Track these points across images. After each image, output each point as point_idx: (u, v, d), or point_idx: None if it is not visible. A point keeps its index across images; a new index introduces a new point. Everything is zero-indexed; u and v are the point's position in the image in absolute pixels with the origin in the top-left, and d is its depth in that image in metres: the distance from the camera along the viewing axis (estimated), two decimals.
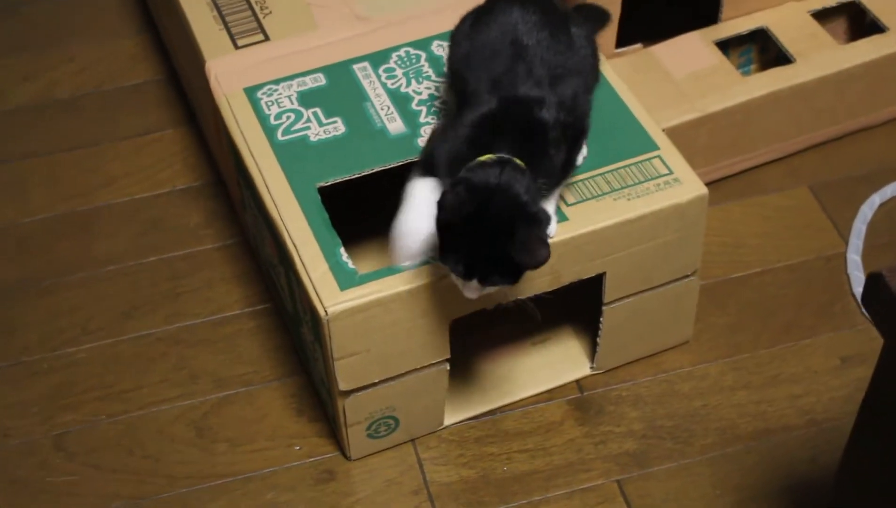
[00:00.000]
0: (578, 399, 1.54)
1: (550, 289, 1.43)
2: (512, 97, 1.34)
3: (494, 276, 1.28)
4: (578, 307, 1.55)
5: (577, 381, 1.55)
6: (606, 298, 1.47)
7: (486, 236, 1.26)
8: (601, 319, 1.49)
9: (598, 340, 1.52)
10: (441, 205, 1.26)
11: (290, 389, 1.56)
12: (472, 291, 1.29)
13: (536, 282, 1.41)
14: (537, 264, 1.26)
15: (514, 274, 1.28)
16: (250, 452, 1.50)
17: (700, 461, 1.48)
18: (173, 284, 1.67)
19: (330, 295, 1.35)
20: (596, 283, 1.46)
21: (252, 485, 1.48)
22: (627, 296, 1.48)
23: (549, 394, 1.54)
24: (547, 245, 1.25)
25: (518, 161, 1.29)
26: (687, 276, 1.50)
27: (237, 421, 1.53)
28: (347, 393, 1.41)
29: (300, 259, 1.39)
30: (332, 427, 1.51)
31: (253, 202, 1.53)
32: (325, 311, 1.34)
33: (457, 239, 1.27)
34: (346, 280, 1.36)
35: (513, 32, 1.37)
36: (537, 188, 1.30)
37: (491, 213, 1.26)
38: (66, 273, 1.69)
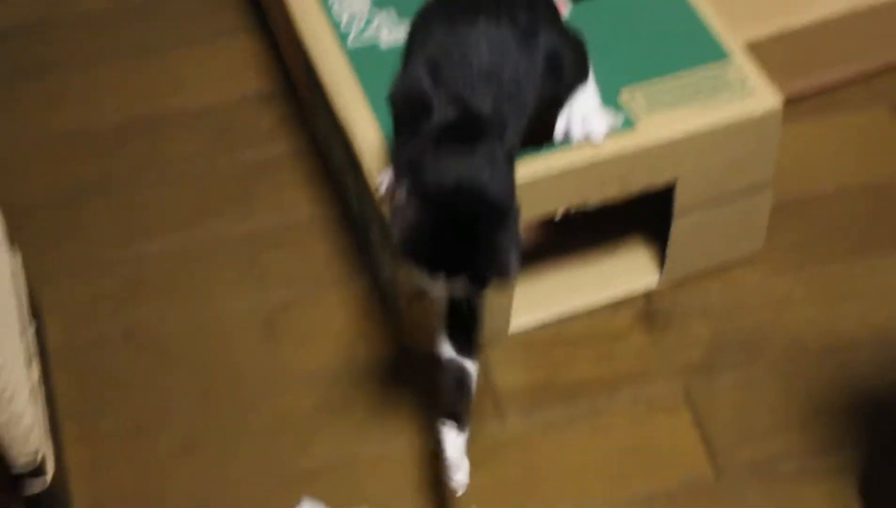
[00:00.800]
0: (646, 309, 1.53)
1: (620, 196, 1.43)
2: None
3: (461, 280, 1.19)
4: (649, 217, 1.54)
5: (646, 291, 1.55)
6: (677, 208, 1.46)
7: (451, 247, 1.17)
8: (671, 229, 1.49)
9: (667, 250, 1.51)
10: (397, 225, 1.18)
11: (357, 291, 1.57)
12: (438, 289, 1.20)
13: (605, 190, 1.41)
14: (507, 280, 1.18)
15: (483, 283, 1.19)
16: (317, 351, 1.52)
17: (767, 373, 1.48)
18: (244, 186, 1.68)
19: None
20: (668, 192, 1.46)
21: (319, 383, 1.49)
22: (698, 207, 1.47)
23: (617, 303, 1.54)
24: (517, 255, 1.16)
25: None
26: (759, 189, 1.49)
27: (305, 322, 1.54)
28: (414, 296, 1.42)
29: (368, 163, 1.40)
30: (398, 331, 1.52)
31: (323, 107, 1.54)
32: None
33: (420, 248, 1.18)
34: None
35: None
36: (507, 155, 1.20)
37: (453, 225, 1.16)
38: (137, 174, 1.70)
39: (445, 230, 1.16)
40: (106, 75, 1.82)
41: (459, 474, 1.28)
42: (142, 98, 1.79)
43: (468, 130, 1.20)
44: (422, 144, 1.20)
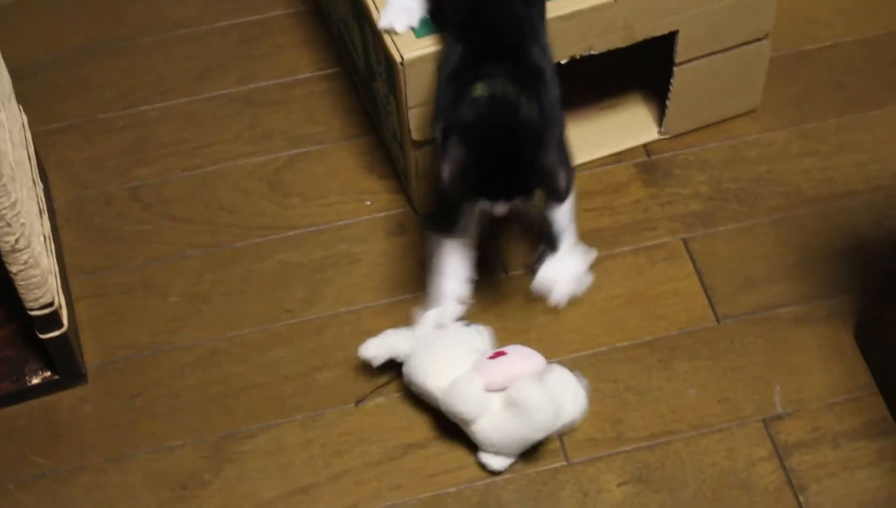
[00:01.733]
0: (645, 162, 1.55)
1: (624, 45, 1.44)
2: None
3: (519, 201, 1.27)
4: (648, 74, 1.56)
5: (645, 145, 1.57)
6: (678, 58, 1.48)
7: (499, 177, 1.25)
8: (671, 80, 1.50)
9: (667, 103, 1.52)
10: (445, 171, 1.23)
11: (361, 148, 1.59)
12: (500, 209, 1.28)
13: (610, 37, 1.42)
14: (561, 195, 1.26)
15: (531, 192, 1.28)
16: (322, 206, 1.54)
17: (765, 222, 1.50)
18: (245, 47, 1.68)
19: (405, 43, 1.37)
20: (667, 48, 1.47)
21: (325, 236, 1.51)
22: (699, 57, 1.49)
23: (617, 157, 1.56)
24: (566, 168, 1.24)
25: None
26: (759, 39, 1.50)
27: (309, 177, 1.56)
28: (420, 144, 1.43)
29: (377, 9, 1.40)
30: (402, 184, 1.54)
31: None
32: (401, 57, 1.35)
33: (469, 185, 1.25)
34: (421, 29, 1.37)
35: None
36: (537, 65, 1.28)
37: (495, 158, 1.24)
38: (139, 36, 1.71)
39: (489, 164, 1.23)
40: None
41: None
42: None
43: (496, 53, 1.28)
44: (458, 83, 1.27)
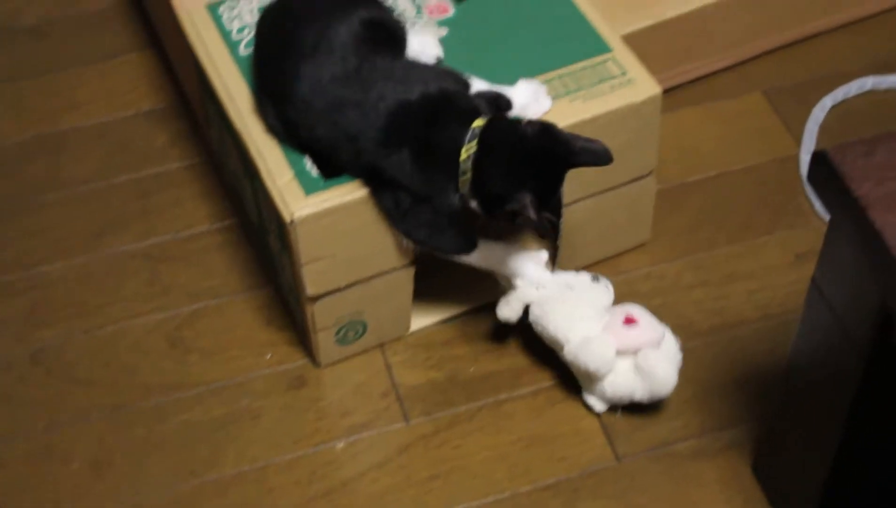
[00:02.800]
0: None
1: None
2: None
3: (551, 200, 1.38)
4: None
5: None
6: (565, 199, 1.50)
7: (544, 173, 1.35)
8: (560, 221, 1.53)
9: (558, 243, 1.56)
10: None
11: (259, 300, 1.60)
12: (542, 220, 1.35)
13: None
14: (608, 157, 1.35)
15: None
16: (223, 361, 1.54)
17: None
18: (142, 203, 1.70)
19: (295, 200, 1.39)
20: None
21: (226, 393, 1.52)
22: (586, 197, 1.52)
23: None
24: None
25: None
26: (643, 176, 1.54)
27: (209, 332, 1.57)
28: (315, 299, 1.45)
29: (266, 168, 1.42)
30: (301, 336, 1.55)
31: (218, 118, 1.56)
32: (291, 216, 1.37)
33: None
34: (311, 186, 1.39)
35: None
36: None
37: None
38: (37, 195, 1.71)
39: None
40: (1, 96, 1.83)
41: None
42: (38, 119, 1.80)
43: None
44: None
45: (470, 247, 1.44)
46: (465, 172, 1.35)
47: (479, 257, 1.45)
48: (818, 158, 1.08)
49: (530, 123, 1.35)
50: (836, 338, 1.18)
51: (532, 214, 1.32)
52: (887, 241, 1.01)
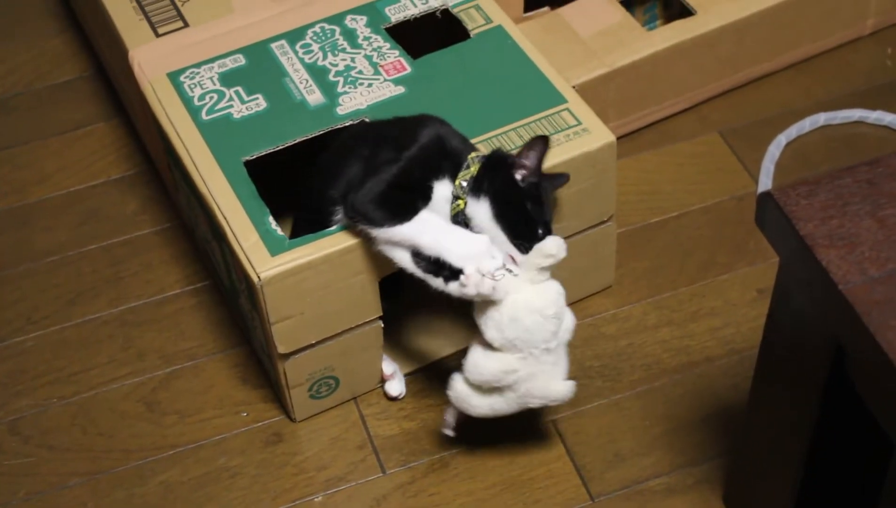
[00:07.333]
0: None
1: None
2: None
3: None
4: None
5: None
6: None
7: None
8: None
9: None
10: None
11: (233, 360, 1.62)
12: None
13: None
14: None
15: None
16: (199, 422, 1.56)
17: (629, 396, 1.56)
18: (114, 269, 1.72)
19: (261, 261, 1.41)
20: None
21: (203, 452, 1.54)
22: None
23: None
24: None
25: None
26: (603, 222, 1.57)
27: (185, 394, 1.59)
28: (287, 356, 1.47)
29: (231, 230, 1.45)
30: (276, 393, 1.57)
31: (184, 182, 1.59)
32: (258, 277, 1.40)
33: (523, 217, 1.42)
34: (276, 246, 1.42)
35: None
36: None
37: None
38: (8, 267, 1.74)
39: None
40: None
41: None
42: (7, 192, 1.83)
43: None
44: None
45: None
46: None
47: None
48: (763, 199, 1.11)
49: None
50: (792, 371, 1.21)
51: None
52: (833, 276, 1.04)
